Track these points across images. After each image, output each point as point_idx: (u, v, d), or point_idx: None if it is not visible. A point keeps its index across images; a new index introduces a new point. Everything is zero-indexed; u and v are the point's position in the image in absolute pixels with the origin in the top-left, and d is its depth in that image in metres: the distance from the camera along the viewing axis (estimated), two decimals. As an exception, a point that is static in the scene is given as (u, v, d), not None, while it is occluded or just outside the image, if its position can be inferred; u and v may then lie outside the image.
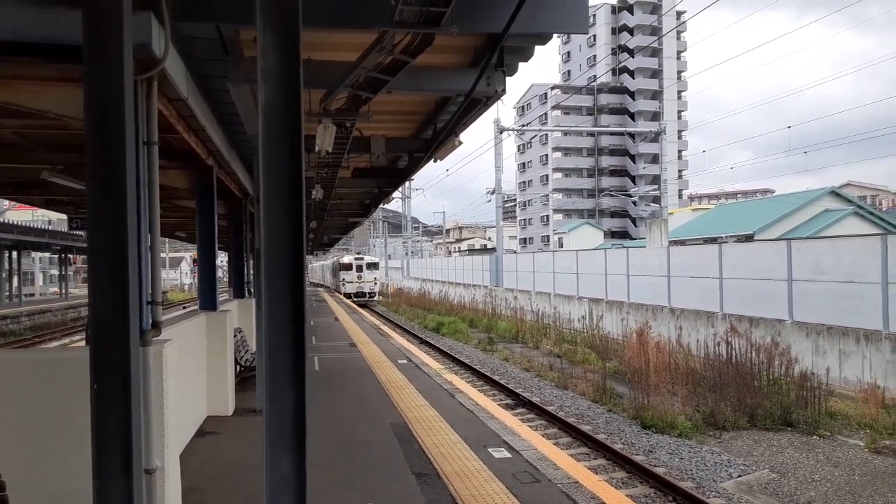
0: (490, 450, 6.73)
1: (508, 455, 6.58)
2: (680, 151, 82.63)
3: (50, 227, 41.30)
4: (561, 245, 63.20)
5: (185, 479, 5.29)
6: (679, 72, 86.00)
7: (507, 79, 5.94)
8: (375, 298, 46.53)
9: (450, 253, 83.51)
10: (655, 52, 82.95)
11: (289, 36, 2.08)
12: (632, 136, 72.23)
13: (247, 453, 6.66)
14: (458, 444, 6.95)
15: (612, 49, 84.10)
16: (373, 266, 46.78)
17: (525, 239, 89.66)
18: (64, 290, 44.23)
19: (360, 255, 50.65)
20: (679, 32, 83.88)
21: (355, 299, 41.84)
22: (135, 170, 2.29)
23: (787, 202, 34.38)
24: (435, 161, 9.26)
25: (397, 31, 4.26)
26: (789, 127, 36.04)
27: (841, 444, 10.12)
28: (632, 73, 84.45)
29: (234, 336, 9.72)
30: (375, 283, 46.91)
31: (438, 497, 5.40)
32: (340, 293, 44.97)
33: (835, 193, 35.18)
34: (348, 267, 45.77)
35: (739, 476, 8.83)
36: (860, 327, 13.65)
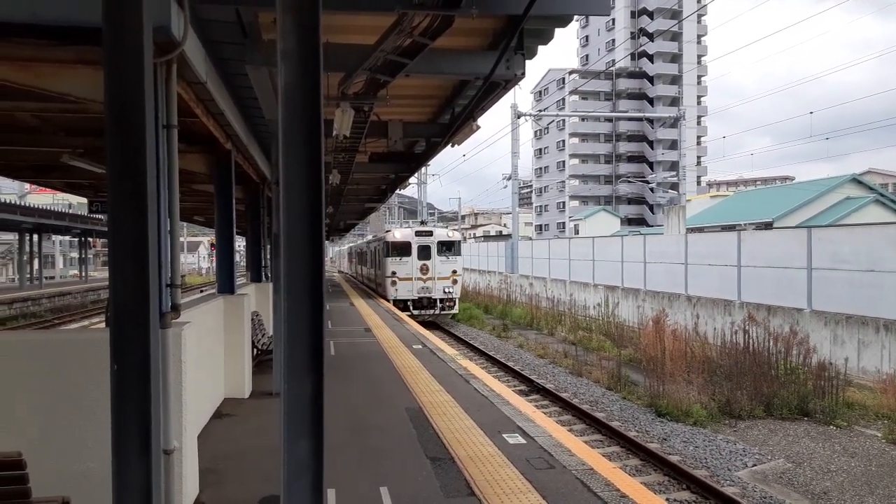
0: (504, 435, 6.75)
1: (523, 441, 6.59)
2: (699, 137, 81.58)
3: (70, 211, 41.70)
4: (577, 232, 62.86)
5: (203, 459, 5.37)
6: (699, 56, 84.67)
7: (527, 62, 5.89)
8: (455, 310, 24.86)
9: (465, 239, 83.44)
10: (675, 36, 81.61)
11: (308, 18, 2.07)
12: (650, 121, 71.31)
13: (263, 435, 6.74)
14: (472, 430, 6.97)
15: (632, 33, 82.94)
16: (448, 248, 24.51)
17: (541, 225, 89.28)
18: (84, 273, 44.80)
19: (427, 227, 26.36)
20: (699, 16, 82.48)
21: (415, 312, 22.98)
22: (154, 153, 2.29)
23: (807, 189, 33.91)
24: (452, 146, 9.23)
25: (416, 12, 4.23)
26: (811, 113, 35.47)
27: (858, 434, 10.03)
28: (651, 58, 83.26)
29: (252, 319, 9.79)
30: (455, 282, 24.29)
31: (453, 481, 5.42)
32: (387, 299, 24.09)
33: (856, 181, 34.64)
34: (403, 249, 24.04)
35: (754, 465, 8.78)
36: (880, 317, 13.46)
